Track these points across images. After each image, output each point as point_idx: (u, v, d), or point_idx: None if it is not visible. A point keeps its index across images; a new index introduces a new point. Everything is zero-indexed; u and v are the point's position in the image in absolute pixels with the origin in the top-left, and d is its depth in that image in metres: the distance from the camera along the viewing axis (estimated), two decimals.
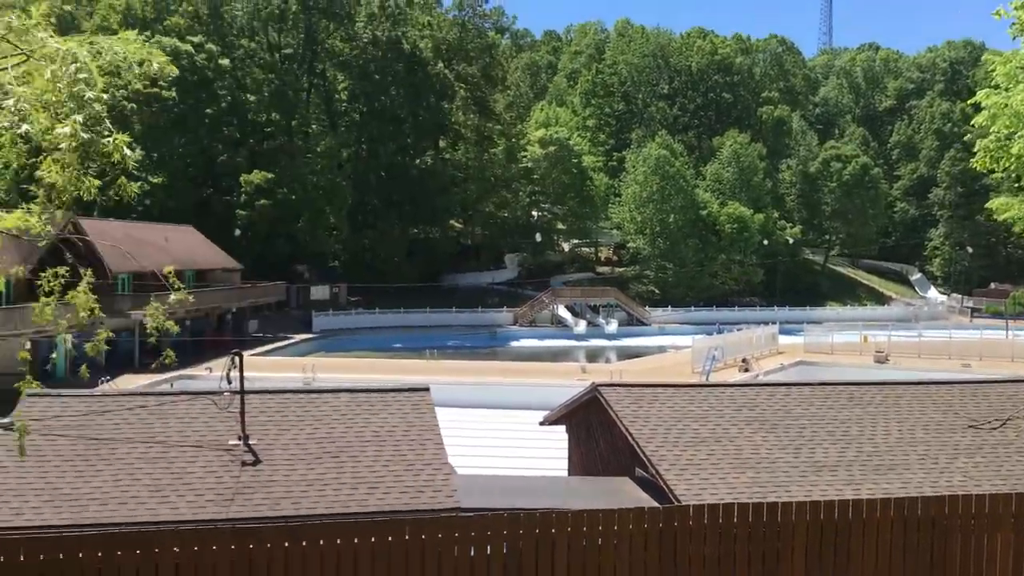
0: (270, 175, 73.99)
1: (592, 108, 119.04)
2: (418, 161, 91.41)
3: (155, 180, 69.33)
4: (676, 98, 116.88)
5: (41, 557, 7.95)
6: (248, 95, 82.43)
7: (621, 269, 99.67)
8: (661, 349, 66.40)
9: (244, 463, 12.61)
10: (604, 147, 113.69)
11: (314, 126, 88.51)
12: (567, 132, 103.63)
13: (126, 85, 5.91)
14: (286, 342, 62.15)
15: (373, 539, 8.38)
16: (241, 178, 74.06)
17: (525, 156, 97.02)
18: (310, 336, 67.70)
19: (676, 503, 12.12)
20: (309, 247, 78.02)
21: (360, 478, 12.62)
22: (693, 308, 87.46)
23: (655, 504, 12.14)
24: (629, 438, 14.39)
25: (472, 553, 8.51)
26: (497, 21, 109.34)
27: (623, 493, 14.00)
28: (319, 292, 78.28)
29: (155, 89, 62.84)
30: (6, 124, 5.71)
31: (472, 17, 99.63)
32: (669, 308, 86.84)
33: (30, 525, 10.95)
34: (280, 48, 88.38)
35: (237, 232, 73.86)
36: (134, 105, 62.37)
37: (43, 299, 6.83)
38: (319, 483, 12.43)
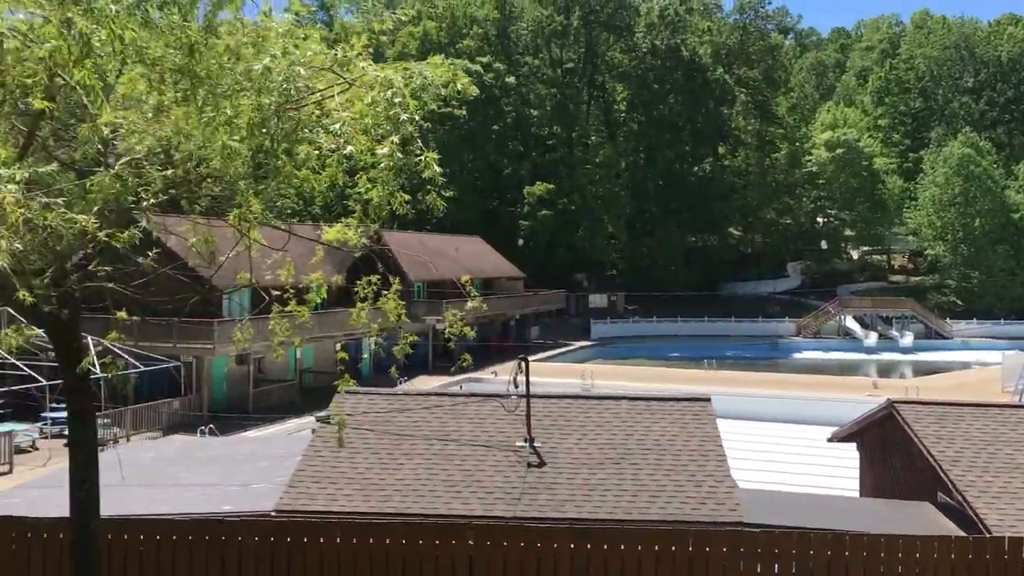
0: (551, 186, 76.65)
1: (885, 107, 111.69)
2: (696, 168, 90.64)
3: (447, 194, 74.00)
4: (982, 92, 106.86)
5: (354, 541, 8.75)
6: (531, 110, 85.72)
7: (917, 278, 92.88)
8: (965, 365, 61.38)
9: (530, 464, 13.09)
10: (898, 148, 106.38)
11: (593, 137, 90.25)
12: (856, 133, 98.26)
13: (423, 106, 6.38)
14: (565, 349, 63.86)
15: (657, 547, 8.42)
16: (524, 190, 77.32)
17: (810, 160, 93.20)
18: (588, 343, 69.05)
19: (987, 534, 11.13)
20: (588, 256, 79.72)
21: (641, 486, 12.68)
22: (1003, 321, 79.48)
23: (961, 533, 11.21)
24: (930, 460, 13.36)
25: (759, 570, 8.30)
26: (780, 22, 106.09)
27: (923, 519, 13.02)
28: (597, 300, 79.83)
29: (448, 109, 67.26)
30: (332, 146, 6.39)
31: (754, 19, 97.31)
32: (974, 321, 79.56)
33: (343, 511, 12.05)
34: (562, 63, 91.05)
35: (520, 242, 77.11)
36: (430, 124, 67.07)
37: (359, 304, 7.54)
38: (600, 488, 12.63)
